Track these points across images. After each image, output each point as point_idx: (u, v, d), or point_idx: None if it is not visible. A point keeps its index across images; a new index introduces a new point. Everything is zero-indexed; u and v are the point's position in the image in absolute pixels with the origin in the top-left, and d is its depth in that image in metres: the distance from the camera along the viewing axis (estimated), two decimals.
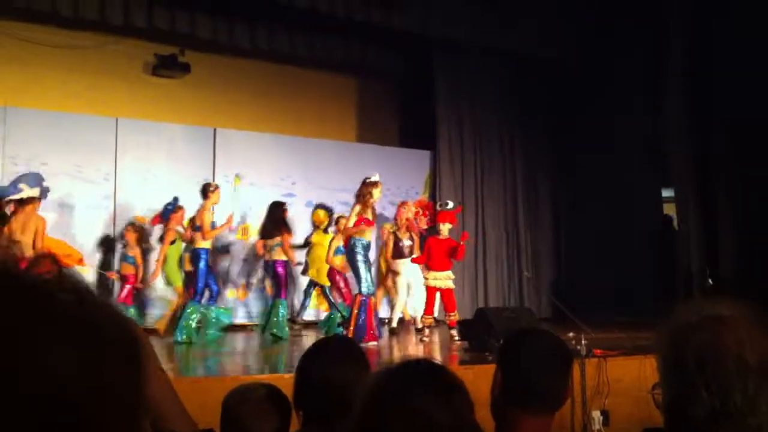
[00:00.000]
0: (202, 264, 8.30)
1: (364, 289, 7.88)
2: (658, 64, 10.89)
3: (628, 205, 11.55)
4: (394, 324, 9.54)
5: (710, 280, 9.35)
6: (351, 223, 8.05)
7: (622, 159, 11.59)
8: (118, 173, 9.75)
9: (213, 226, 8.50)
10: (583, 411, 5.82)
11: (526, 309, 9.53)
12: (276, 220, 9.03)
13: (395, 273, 9.66)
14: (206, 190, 8.48)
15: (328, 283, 9.33)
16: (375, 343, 7.83)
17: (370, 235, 8.21)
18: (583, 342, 5.94)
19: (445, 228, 8.75)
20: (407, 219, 9.46)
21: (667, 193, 11.61)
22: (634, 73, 11.37)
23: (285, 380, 3.20)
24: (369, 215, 8.08)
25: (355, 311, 7.89)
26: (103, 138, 9.70)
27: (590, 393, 5.96)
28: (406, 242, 9.52)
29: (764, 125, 9.39)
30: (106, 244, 9.60)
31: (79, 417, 0.68)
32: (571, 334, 6.23)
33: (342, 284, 9.34)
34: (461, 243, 8.62)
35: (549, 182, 12.71)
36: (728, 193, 9.98)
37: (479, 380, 4.64)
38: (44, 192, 8.14)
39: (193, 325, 8.26)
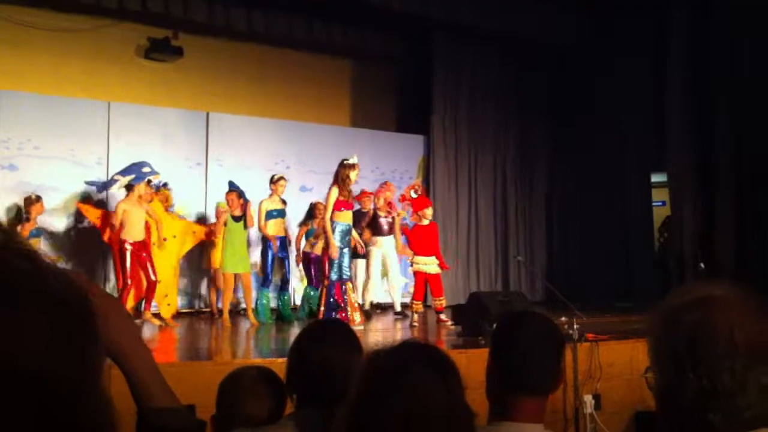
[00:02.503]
0: (265, 251, 8.87)
1: (333, 275, 7.94)
2: (658, 52, 10.92)
3: (624, 193, 11.60)
4: (367, 306, 9.56)
5: (702, 265, 9.40)
6: (330, 210, 8.01)
7: (618, 147, 11.63)
8: (111, 157, 9.72)
9: (269, 216, 8.84)
10: (575, 395, 5.86)
11: (519, 293, 9.56)
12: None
13: (370, 249, 9.63)
14: (270, 181, 8.98)
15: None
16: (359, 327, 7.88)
17: (349, 218, 8.16)
18: (575, 326, 5.96)
19: (428, 213, 8.76)
20: (386, 199, 9.49)
21: (658, 178, 11.66)
22: (633, 61, 11.39)
23: (278, 364, 3.21)
24: (348, 198, 8.06)
25: (324, 295, 8.04)
26: (95, 122, 9.67)
27: (582, 377, 6.00)
28: (386, 220, 9.53)
29: (765, 111, 9.47)
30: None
31: (44, 388, 0.69)
32: (563, 319, 6.25)
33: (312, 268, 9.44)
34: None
35: (544, 169, 12.73)
36: (725, 179, 10.02)
37: (472, 364, 4.67)
38: (138, 179, 8.30)
39: (267, 306, 8.87)
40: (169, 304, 8.77)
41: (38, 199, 8.41)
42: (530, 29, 11.24)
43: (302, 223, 9.91)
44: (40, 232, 8.50)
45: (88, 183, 9.13)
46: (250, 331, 8.34)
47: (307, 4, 10.46)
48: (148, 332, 7.74)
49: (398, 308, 9.70)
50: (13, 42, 9.62)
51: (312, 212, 9.76)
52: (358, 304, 8.52)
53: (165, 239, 8.69)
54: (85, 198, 9.42)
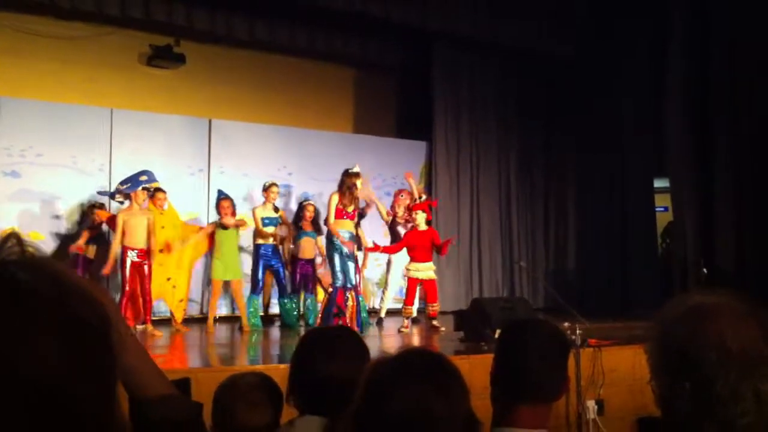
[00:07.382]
0: (257, 259, 8.91)
1: (337, 282, 7.91)
2: (657, 63, 10.92)
3: (626, 197, 11.59)
4: (383, 314, 9.56)
5: (705, 270, 9.38)
6: (332, 218, 7.97)
7: (619, 152, 11.62)
8: (113, 164, 9.73)
9: (264, 224, 8.90)
10: (577, 400, 5.85)
11: (522, 299, 9.55)
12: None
13: (390, 261, 9.70)
14: (263, 189, 9.07)
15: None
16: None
17: (349, 227, 8.11)
18: (577, 332, 5.96)
19: (420, 218, 8.71)
20: (405, 207, 9.49)
21: (660, 183, 11.64)
22: (633, 69, 11.39)
23: (279, 371, 3.19)
24: (349, 207, 8.03)
25: (325, 302, 8.01)
26: (98, 129, 9.67)
27: (585, 383, 5.99)
28: (403, 230, 9.53)
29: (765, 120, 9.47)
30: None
31: (60, 399, 0.70)
32: (566, 324, 6.24)
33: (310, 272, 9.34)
34: (449, 240, 8.71)
35: (545, 174, 12.71)
36: (727, 184, 10.00)
37: (475, 370, 4.66)
38: (132, 187, 8.26)
39: (255, 313, 8.85)
40: (185, 309, 8.87)
41: (101, 206, 8.89)
42: (529, 38, 11.23)
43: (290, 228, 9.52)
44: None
45: (100, 193, 9.17)
46: (241, 337, 8.33)
47: (308, 14, 10.47)
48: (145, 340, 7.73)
49: (383, 315, 9.70)
50: (15, 49, 9.63)
51: (300, 214, 9.40)
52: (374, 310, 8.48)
53: (161, 250, 8.62)
54: (95, 206, 9.39)
